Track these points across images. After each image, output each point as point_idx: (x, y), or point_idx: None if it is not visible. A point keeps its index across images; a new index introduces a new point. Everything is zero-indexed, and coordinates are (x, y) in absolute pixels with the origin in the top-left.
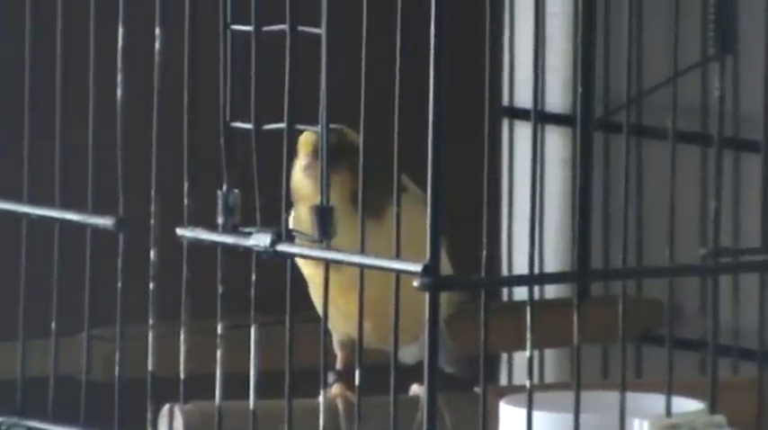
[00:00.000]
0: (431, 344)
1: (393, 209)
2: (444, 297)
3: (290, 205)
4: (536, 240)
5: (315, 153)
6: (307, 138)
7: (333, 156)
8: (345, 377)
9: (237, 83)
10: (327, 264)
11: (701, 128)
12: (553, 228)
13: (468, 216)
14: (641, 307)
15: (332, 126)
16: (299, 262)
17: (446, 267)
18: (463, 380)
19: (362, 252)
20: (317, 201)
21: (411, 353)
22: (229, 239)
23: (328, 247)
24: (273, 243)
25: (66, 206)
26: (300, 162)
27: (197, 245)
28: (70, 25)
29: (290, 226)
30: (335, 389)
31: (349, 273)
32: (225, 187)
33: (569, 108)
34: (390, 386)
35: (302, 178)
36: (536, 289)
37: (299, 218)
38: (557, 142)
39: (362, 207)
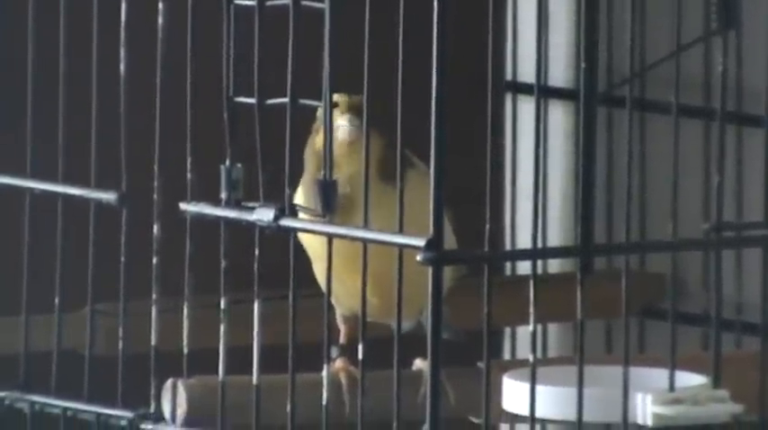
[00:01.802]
0: (434, 318)
1: (405, 182)
2: (447, 271)
3: (293, 180)
4: (539, 215)
5: (351, 108)
6: (338, 96)
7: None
8: (348, 351)
9: (240, 57)
10: (330, 238)
11: (704, 102)
12: (556, 202)
13: (471, 191)
14: (644, 281)
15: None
16: (303, 235)
17: (450, 241)
18: (471, 346)
19: (366, 226)
20: (350, 169)
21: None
22: (232, 214)
23: (331, 222)
24: (277, 217)
25: (69, 180)
26: (341, 122)
27: (200, 219)
28: (73, 1)
29: (297, 199)
30: (339, 363)
31: (353, 246)
32: (228, 162)
33: (572, 82)
34: (394, 360)
35: (344, 137)
36: (539, 263)
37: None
38: (560, 116)
39: (385, 172)
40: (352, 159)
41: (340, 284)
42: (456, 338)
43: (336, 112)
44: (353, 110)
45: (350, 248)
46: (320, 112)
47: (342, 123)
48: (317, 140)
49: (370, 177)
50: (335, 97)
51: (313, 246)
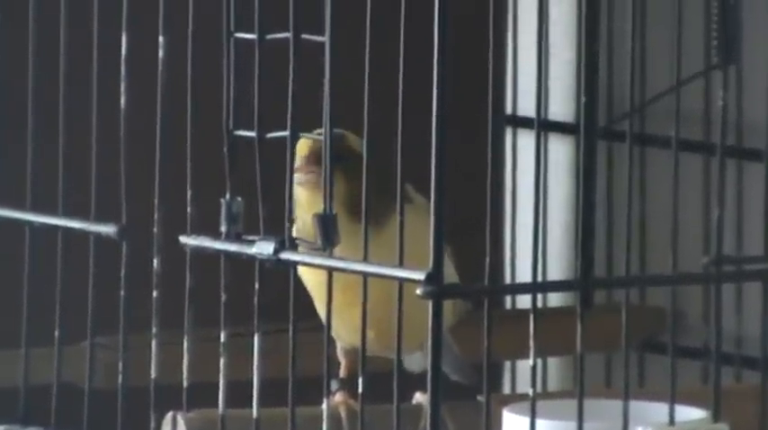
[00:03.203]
0: (434, 352)
1: (395, 218)
2: (449, 305)
3: (293, 213)
4: (539, 248)
5: (310, 159)
6: (302, 145)
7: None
8: (349, 385)
9: (241, 91)
10: (330, 272)
11: (704, 136)
12: (556, 236)
13: (471, 224)
14: (644, 315)
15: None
16: (301, 269)
17: (451, 276)
18: (469, 387)
19: (365, 260)
20: (314, 210)
21: (417, 360)
22: (232, 247)
23: (331, 255)
24: (276, 251)
25: (68, 214)
26: (296, 171)
27: (200, 253)
28: (73, 33)
29: (294, 234)
30: (339, 397)
31: (351, 283)
32: (228, 195)
33: (573, 116)
34: (394, 394)
35: (297, 187)
36: (539, 297)
37: (303, 223)
38: (560, 150)
39: (353, 212)
40: (316, 202)
41: (339, 319)
42: (469, 382)
43: (300, 161)
44: (312, 160)
45: (347, 285)
46: (299, 144)
47: (296, 174)
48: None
49: (340, 218)
50: (300, 144)
51: (311, 281)
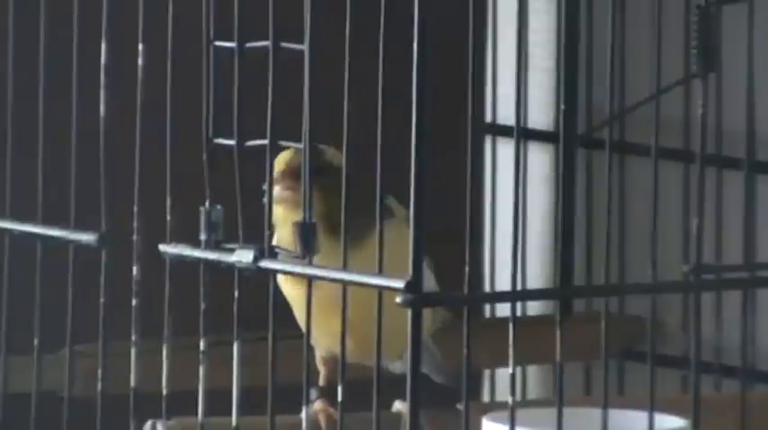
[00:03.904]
0: (413, 360)
1: (375, 232)
2: (428, 313)
3: (272, 221)
4: (518, 257)
5: (286, 174)
6: (279, 160)
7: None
8: (328, 393)
9: (220, 99)
10: (310, 280)
11: (684, 145)
12: (536, 244)
13: (450, 233)
14: (624, 324)
15: (316, 145)
16: (281, 281)
17: (431, 285)
18: (448, 395)
19: (345, 268)
20: (291, 224)
21: (397, 365)
22: (212, 255)
23: (311, 264)
24: (256, 259)
25: (48, 222)
26: (274, 186)
27: (180, 261)
28: (53, 41)
29: (275, 241)
30: (318, 405)
31: (329, 294)
32: (207, 203)
33: (552, 125)
34: (373, 402)
35: (275, 202)
36: (518, 305)
37: (279, 238)
38: (539, 159)
39: (331, 229)
40: (293, 219)
41: (318, 329)
42: (451, 383)
43: (276, 176)
44: (289, 175)
45: (326, 297)
46: (277, 159)
47: (276, 191)
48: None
49: (320, 233)
50: (278, 158)
51: (291, 293)
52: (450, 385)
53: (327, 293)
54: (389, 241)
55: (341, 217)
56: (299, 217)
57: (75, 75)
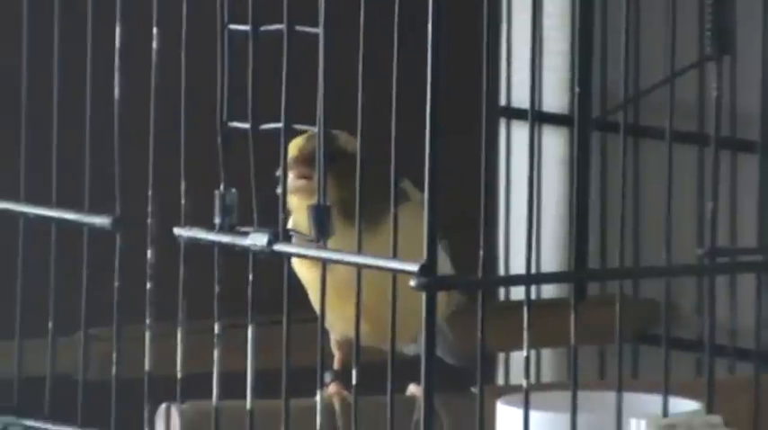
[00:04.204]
0: (428, 344)
1: (390, 217)
2: (443, 296)
3: (287, 205)
4: (533, 240)
5: (299, 161)
6: (293, 146)
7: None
8: (342, 376)
9: (235, 82)
10: (324, 263)
11: (698, 128)
12: (550, 228)
13: (465, 217)
14: (638, 307)
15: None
16: (296, 265)
17: (446, 268)
18: (463, 379)
19: (359, 252)
20: (305, 214)
21: (411, 347)
22: (226, 239)
23: (325, 247)
24: (270, 242)
25: (62, 205)
26: (290, 174)
27: (194, 244)
28: (67, 25)
29: (290, 225)
30: (332, 388)
31: (344, 278)
32: (222, 186)
33: (566, 108)
34: (388, 386)
35: (291, 190)
36: (533, 289)
37: (295, 223)
38: (554, 142)
39: (346, 215)
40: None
41: (333, 313)
42: (463, 364)
43: (290, 162)
44: (302, 161)
45: (341, 280)
46: (291, 145)
47: (290, 179)
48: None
49: (334, 218)
50: (291, 145)
51: (306, 277)
52: (462, 366)
53: (342, 277)
54: (404, 225)
55: (356, 202)
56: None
57: (89, 58)
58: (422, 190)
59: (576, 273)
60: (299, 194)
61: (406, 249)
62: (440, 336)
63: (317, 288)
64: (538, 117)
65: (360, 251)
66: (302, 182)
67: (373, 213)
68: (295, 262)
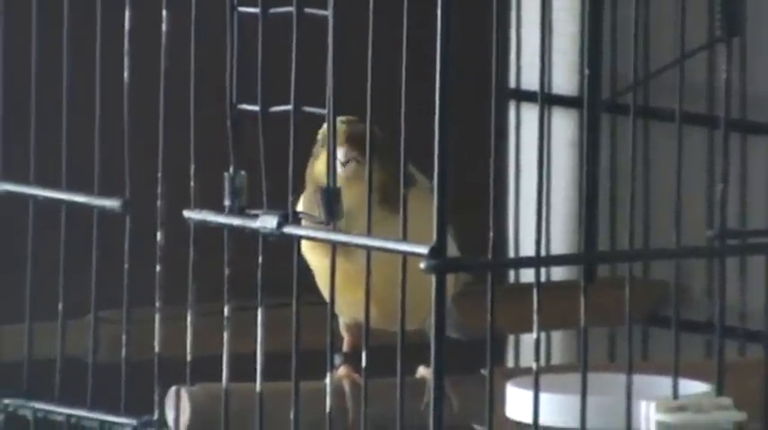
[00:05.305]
0: (437, 326)
1: (408, 202)
2: (450, 278)
3: (296, 187)
4: (542, 222)
5: (350, 144)
6: (340, 130)
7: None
8: (352, 359)
9: (244, 65)
10: (334, 245)
11: (708, 110)
12: (560, 210)
13: (474, 199)
14: (648, 289)
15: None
16: (305, 250)
17: (453, 250)
18: (474, 354)
19: (369, 234)
20: (349, 198)
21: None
22: (236, 221)
23: (335, 229)
24: (280, 225)
25: (72, 188)
26: (340, 157)
27: (204, 227)
28: (77, 8)
29: (300, 208)
30: (342, 370)
31: (354, 266)
32: (231, 169)
33: (576, 90)
34: (397, 368)
35: (342, 174)
36: (543, 271)
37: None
38: (563, 124)
39: (385, 199)
40: (351, 191)
41: (342, 297)
42: (467, 337)
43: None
44: (351, 141)
45: (351, 266)
46: (320, 136)
47: (339, 158)
48: (317, 166)
49: (373, 204)
50: (338, 127)
51: (314, 262)
52: (468, 340)
53: (352, 265)
54: (415, 209)
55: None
56: (356, 189)
57: (98, 41)
58: (430, 176)
59: (586, 255)
60: (349, 178)
61: (417, 233)
62: (448, 317)
63: (326, 275)
64: (547, 99)
65: (370, 230)
66: (352, 165)
67: (396, 198)
68: (305, 250)
